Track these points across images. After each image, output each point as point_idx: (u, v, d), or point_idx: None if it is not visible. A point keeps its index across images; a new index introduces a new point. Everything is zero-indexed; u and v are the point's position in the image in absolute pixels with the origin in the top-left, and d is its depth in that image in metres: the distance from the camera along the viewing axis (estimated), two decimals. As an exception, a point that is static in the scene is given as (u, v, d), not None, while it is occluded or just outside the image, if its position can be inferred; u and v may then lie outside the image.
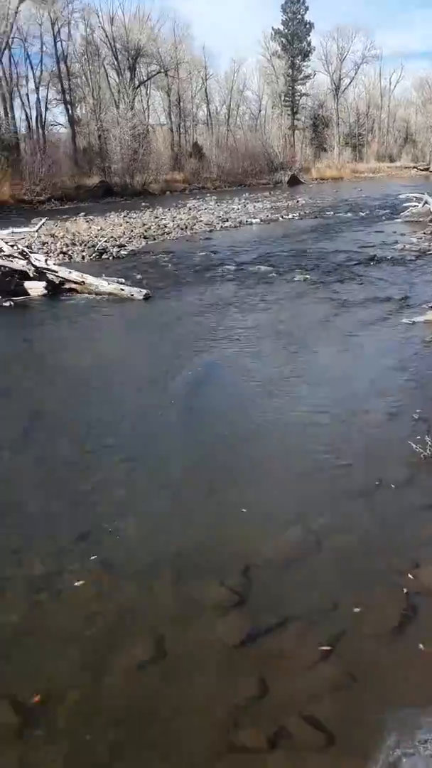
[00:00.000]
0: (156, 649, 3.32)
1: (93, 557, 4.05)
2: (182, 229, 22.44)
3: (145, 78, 51.93)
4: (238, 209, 29.36)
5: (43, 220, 18.10)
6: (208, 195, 39.37)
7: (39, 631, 3.46)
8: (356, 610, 3.52)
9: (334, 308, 10.47)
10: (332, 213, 26.95)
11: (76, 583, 3.81)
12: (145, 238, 20.28)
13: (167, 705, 2.99)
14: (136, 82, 50.98)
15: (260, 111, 63.20)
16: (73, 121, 47.60)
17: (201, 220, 24.67)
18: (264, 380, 7.15)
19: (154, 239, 20.24)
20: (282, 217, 26.17)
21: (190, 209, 29.47)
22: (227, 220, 24.82)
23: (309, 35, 61.29)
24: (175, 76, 52.42)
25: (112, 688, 3.09)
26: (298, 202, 33.06)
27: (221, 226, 23.38)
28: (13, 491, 4.97)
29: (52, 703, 3.00)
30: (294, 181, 48.49)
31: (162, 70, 51.45)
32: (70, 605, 3.66)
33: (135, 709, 2.97)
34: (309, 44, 61.71)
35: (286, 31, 61.04)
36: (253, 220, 25.07)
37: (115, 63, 49.52)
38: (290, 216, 26.38)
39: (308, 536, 4.23)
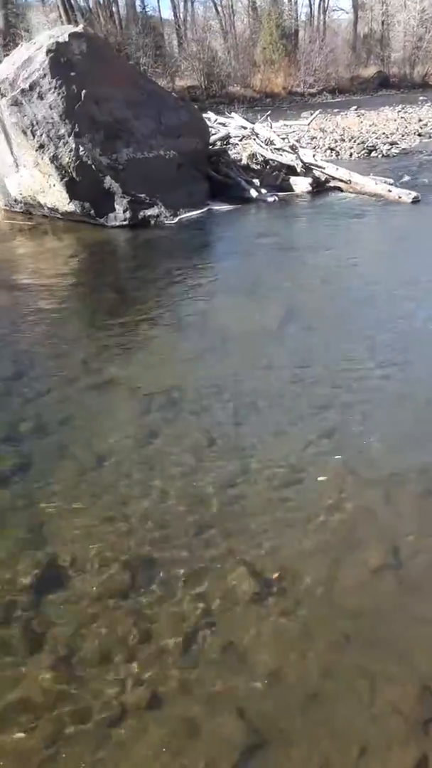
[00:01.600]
0: (392, 557, 3.31)
1: (337, 457, 4.10)
2: (463, 126, 20.31)
3: None
4: None
5: (315, 113, 17.57)
6: None
7: (283, 515, 3.65)
8: None
9: None
10: None
11: (319, 478, 3.92)
12: (419, 135, 18.77)
13: (398, 612, 3.01)
14: None
15: None
16: (356, 5, 44.54)
17: None
18: None
19: (430, 137, 18.64)
20: None
21: (474, 104, 26.46)
22: None
23: None
24: None
25: (346, 583, 3.18)
26: None
27: None
28: (267, 383, 5.16)
29: (290, 582, 3.19)
30: None
31: None
32: (312, 497, 3.78)
33: (366, 607, 3.04)
34: None
35: None
36: None
37: None
38: None
39: None
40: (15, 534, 3.57)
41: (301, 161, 12.45)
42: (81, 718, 2.59)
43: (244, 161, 12.82)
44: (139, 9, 36.75)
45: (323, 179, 12.41)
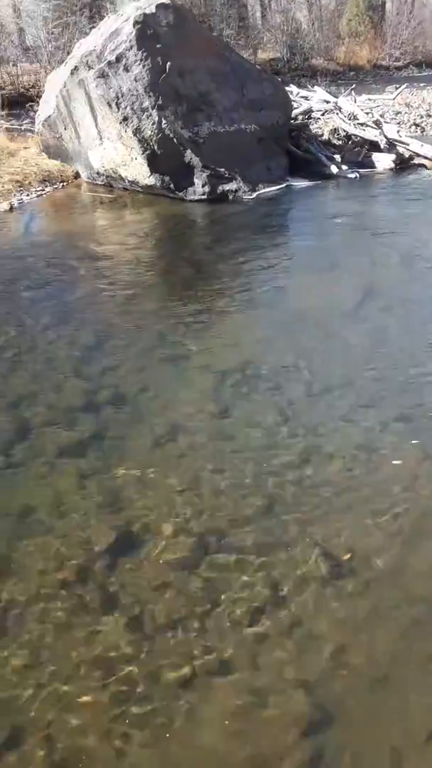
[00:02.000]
0: (468, 547, 3.25)
1: (414, 441, 4.03)
2: None
3: None
4: None
5: (402, 87, 16.94)
6: None
7: (356, 497, 3.62)
8: None
9: None
10: None
11: (394, 462, 3.86)
12: None
13: (473, 603, 2.96)
14: None
15: None
16: (450, -27, 42.37)
17: None
18: None
19: None
20: None
21: None
22: None
23: None
24: None
25: (419, 568, 3.15)
26: None
27: None
28: (342, 363, 5.09)
29: (361, 564, 3.17)
30: None
31: None
32: (387, 481, 3.73)
33: (438, 594, 3.00)
34: None
35: None
36: None
37: None
38: None
39: None
40: (91, 499, 3.68)
41: (385, 137, 12.06)
42: (151, 679, 2.68)
43: (326, 136, 12.50)
44: (223, -21, 36.15)
45: (407, 156, 12.00)
